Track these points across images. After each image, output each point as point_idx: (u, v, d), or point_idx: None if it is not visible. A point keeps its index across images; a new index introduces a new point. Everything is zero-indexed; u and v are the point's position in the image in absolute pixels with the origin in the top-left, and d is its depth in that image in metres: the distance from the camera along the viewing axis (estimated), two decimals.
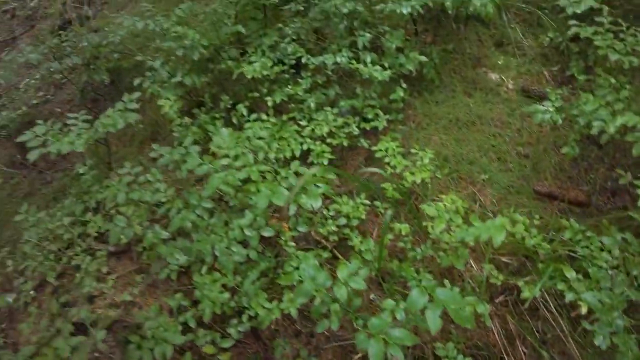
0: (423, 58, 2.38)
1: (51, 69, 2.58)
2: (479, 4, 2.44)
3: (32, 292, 2.08)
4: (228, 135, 1.96)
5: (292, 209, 1.72)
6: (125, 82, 3.24)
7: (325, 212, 1.95)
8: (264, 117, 2.26)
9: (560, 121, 2.10)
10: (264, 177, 1.79)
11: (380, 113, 2.33)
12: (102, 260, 1.85)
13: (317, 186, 1.73)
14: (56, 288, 1.99)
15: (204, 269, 1.67)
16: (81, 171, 2.26)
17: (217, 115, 2.46)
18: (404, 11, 2.20)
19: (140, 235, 1.77)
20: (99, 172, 2.29)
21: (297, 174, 1.81)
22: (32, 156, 1.85)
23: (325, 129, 2.22)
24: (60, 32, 3.93)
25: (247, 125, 2.21)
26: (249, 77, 2.24)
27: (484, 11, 2.46)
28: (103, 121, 1.96)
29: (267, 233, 1.69)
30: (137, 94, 2.09)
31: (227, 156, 1.82)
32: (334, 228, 1.90)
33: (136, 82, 2.39)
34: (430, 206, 1.82)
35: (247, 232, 1.68)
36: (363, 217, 2.00)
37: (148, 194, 1.87)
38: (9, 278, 2.32)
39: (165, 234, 1.75)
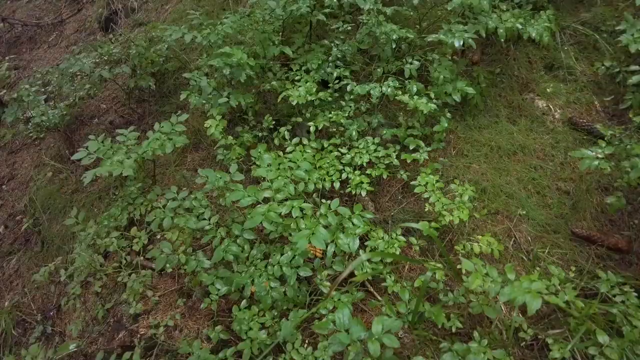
0: (470, 90, 2.33)
1: (102, 76, 2.67)
2: (534, 32, 2.36)
3: (77, 296, 2.24)
4: (271, 162, 2.01)
5: (330, 251, 1.77)
6: (169, 84, 3.31)
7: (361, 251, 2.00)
8: (305, 141, 2.29)
9: (609, 169, 2.05)
10: (304, 214, 1.84)
11: (422, 144, 2.32)
12: (147, 279, 1.97)
13: (354, 224, 1.78)
14: (101, 295, 2.14)
15: (244, 303, 1.76)
16: (127, 184, 2.37)
17: (259, 134, 2.50)
18: (456, 44, 2.15)
19: (184, 262, 1.87)
20: (143, 184, 2.39)
21: (336, 213, 1.85)
22: (87, 179, 1.96)
23: (366, 158, 2.23)
24: (109, 24, 4.00)
25: (288, 148, 2.25)
26: (294, 103, 2.26)
27: (540, 38, 2.37)
28: (153, 146, 2.04)
29: (305, 273, 1.76)
30: (184, 116, 2.15)
31: (269, 188, 1.87)
32: (369, 269, 1.95)
33: (182, 96, 2.45)
34: (467, 253, 1.84)
35: (286, 271, 1.75)
36: (397, 252, 2.04)
37: (192, 221, 1.96)
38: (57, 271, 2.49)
39: (207, 263, 1.84)
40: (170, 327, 1.87)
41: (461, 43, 2.15)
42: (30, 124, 3.09)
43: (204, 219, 1.94)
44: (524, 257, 2.23)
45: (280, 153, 2.27)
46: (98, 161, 2.14)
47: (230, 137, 2.37)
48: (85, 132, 3.37)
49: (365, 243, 2.06)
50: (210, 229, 1.92)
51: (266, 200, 1.85)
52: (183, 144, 2.06)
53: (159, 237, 2.36)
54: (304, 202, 1.74)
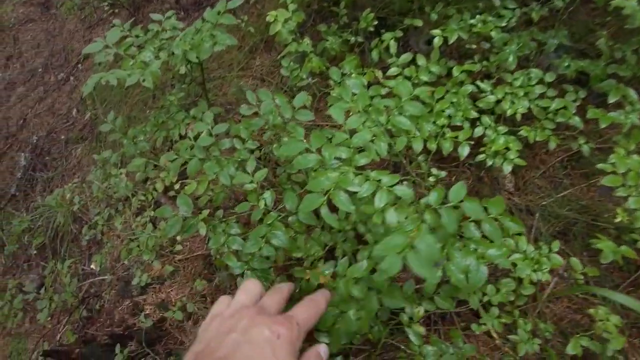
0: None
1: None
2: None
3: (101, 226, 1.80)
4: (358, 91, 1.18)
5: (436, 277, 0.99)
6: None
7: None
8: (421, 61, 1.39)
9: None
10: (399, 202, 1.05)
11: (633, 96, 1.28)
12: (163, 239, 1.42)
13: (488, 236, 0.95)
14: (122, 237, 1.66)
15: None
16: (174, 91, 1.72)
17: (351, 39, 1.64)
18: None
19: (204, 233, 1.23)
20: (187, 94, 1.73)
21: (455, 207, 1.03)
22: (86, 89, 1.33)
23: (522, 106, 1.29)
24: None
25: (391, 69, 1.38)
26: None
27: None
28: (183, 46, 1.31)
29: (393, 304, 1.02)
30: (238, 1, 1.35)
31: (345, 142, 1.07)
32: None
33: None
34: None
35: (357, 292, 1.04)
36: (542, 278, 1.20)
37: (227, 171, 1.24)
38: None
39: (238, 243, 1.19)
40: (186, 312, 1.32)
41: None
42: None
43: (246, 172, 1.24)
44: None
45: (379, 74, 1.42)
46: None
47: (306, 40, 1.55)
48: (149, 10, 2.75)
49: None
50: (252, 190, 1.22)
51: (337, 163, 1.06)
52: (226, 46, 1.30)
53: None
54: (402, 181, 0.92)
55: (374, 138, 1.06)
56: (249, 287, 0.70)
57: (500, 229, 0.86)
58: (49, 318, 1.67)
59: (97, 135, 2.82)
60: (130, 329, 1.24)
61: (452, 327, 1.31)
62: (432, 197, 0.89)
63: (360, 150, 1.04)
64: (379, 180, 0.88)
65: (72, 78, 3.62)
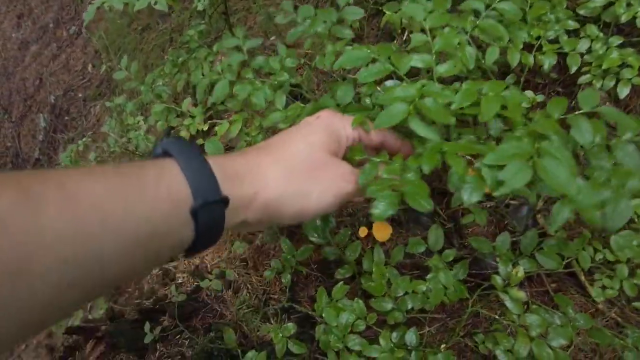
0: None
1: None
2: None
3: None
4: None
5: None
6: None
7: None
8: None
9: None
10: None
11: None
12: None
13: None
14: None
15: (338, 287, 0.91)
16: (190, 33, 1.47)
17: None
18: None
19: None
20: (208, 32, 1.48)
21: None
22: (87, 16, 1.09)
23: None
24: None
25: None
26: None
27: None
28: None
29: None
30: None
31: (427, 45, 0.78)
32: None
33: None
34: None
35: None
36: None
37: (263, 93, 0.98)
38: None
39: None
40: (225, 280, 1.13)
41: None
42: None
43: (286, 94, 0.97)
44: None
45: None
46: None
47: None
48: None
49: None
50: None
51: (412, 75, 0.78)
52: None
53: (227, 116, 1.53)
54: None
55: (459, 44, 0.79)
56: None
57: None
58: None
59: (113, 89, 2.62)
60: (162, 301, 1.07)
61: (540, 289, 1.09)
62: (553, 107, 0.64)
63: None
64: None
65: (84, 31, 3.40)
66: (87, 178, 0.35)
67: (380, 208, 0.49)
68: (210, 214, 0.41)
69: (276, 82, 0.91)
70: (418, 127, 0.60)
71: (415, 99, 0.61)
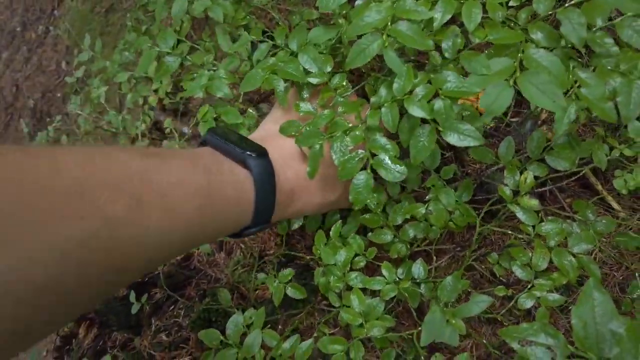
0: None
1: None
2: None
3: None
4: None
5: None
6: None
7: None
8: None
9: None
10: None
11: None
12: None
13: None
14: None
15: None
16: None
17: None
18: None
19: None
20: None
21: None
22: None
23: None
24: None
25: None
26: None
27: None
28: None
29: None
30: None
31: None
32: None
33: None
34: None
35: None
36: None
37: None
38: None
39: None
40: (216, 243, 1.05)
41: None
42: None
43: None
44: None
45: None
46: None
47: None
48: None
49: None
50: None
51: None
52: None
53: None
54: None
55: None
56: None
57: None
58: None
59: (87, 80, 2.52)
60: (151, 273, 1.00)
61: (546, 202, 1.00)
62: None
63: None
64: None
65: (51, 28, 3.27)
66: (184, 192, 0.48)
67: None
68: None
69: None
70: (393, 63, 0.54)
71: (388, 25, 0.53)
